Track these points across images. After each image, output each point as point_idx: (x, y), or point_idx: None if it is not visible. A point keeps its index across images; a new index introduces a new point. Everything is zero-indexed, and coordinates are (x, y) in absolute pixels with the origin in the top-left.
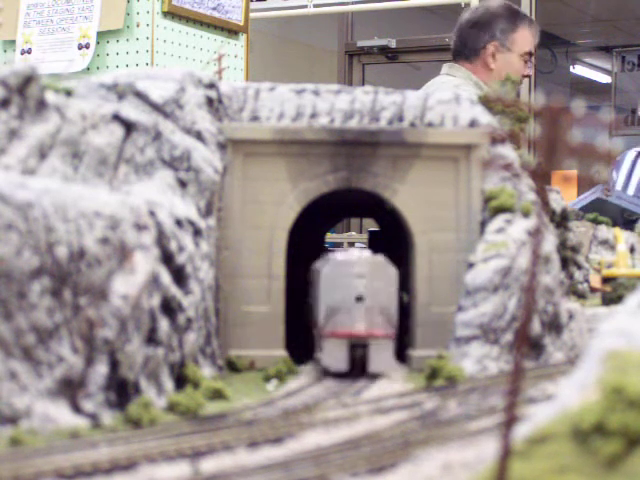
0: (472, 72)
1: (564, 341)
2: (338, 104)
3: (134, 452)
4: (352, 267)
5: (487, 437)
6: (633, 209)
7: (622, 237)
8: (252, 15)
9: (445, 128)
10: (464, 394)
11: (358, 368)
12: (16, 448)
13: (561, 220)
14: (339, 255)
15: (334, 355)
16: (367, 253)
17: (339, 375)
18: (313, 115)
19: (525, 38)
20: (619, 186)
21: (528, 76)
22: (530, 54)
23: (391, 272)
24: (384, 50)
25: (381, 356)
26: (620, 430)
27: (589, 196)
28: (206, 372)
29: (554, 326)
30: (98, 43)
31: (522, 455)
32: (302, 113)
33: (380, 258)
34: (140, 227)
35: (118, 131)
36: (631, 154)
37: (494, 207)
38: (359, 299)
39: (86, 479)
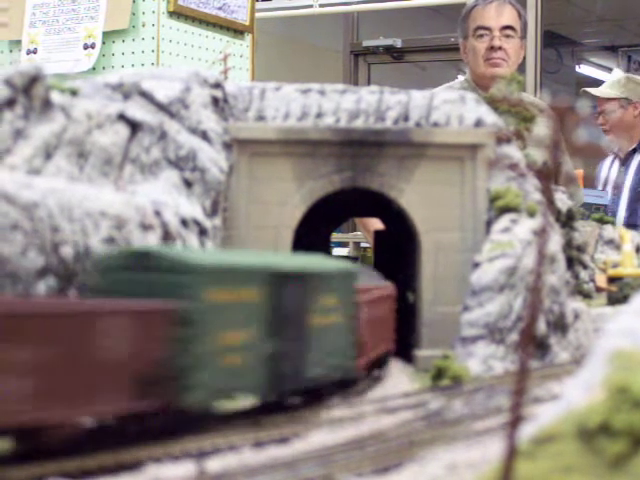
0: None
1: (570, 341)
2: (344, 104)
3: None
4: None
5: (493, 437)
6: (599, 202)
7: (628, 237)
8: (258, 15)
9: (451, 128)
10: (470, 394)
11: None
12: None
13: (567, 220)
14: None
15: None
16: None
17: None
18: (319, 115)
19: (474, 17)
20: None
21: (498, 48)
22: (484, 28)
23: None
24: (390, 50)
25: None
26: (626, 430)
27: None
28: None
29: (560, 326)
30: (104, 43)
31: (527, 455)
32: (308, 113)
33: None
34: (146, 227)
35: (123, 131)
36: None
37: (500, 207)
38: None
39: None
